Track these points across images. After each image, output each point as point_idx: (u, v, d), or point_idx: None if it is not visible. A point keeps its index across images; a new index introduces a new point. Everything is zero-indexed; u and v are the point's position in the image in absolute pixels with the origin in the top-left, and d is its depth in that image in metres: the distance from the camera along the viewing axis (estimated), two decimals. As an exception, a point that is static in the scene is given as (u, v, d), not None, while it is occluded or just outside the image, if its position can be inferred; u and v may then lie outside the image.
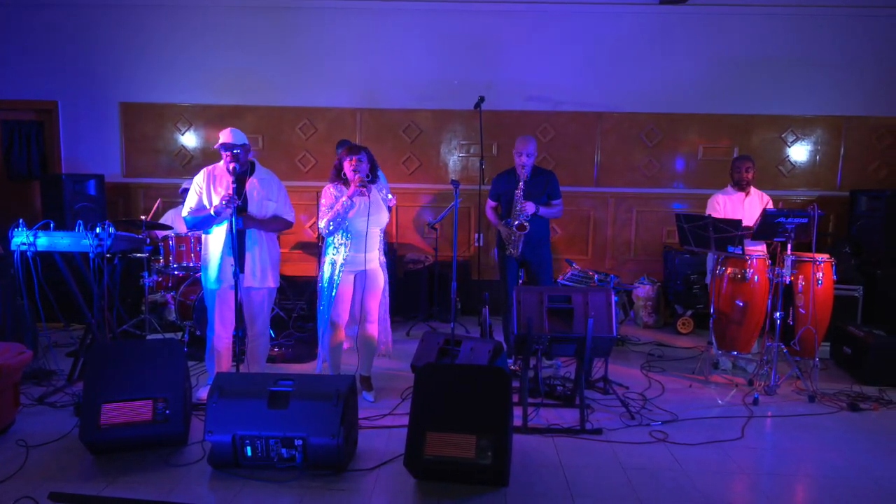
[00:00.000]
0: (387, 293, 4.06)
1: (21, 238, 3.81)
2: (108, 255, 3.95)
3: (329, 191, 3.85)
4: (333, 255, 3.87)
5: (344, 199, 3.74)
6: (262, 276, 3.81)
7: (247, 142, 3.76)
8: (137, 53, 6.44)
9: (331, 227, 3.80)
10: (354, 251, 3.83)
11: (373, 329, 3.99)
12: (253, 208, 3.74)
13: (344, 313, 3.91)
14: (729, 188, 4.86)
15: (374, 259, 3.93)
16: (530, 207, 4.44)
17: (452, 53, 6.37)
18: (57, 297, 4.11)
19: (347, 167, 3.78)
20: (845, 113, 6.37)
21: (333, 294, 3.86)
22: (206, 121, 6.51)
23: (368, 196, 3.80)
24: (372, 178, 3.85)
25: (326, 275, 3.89)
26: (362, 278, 3.91)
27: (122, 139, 6.56)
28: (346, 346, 4.15)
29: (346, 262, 3.85)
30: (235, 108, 6.49)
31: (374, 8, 6.33)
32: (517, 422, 3.38)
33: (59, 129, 6.54)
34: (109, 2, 6.35)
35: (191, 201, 3.76)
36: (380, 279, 3.96)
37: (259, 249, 3.78)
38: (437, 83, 6.41)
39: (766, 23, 6.28)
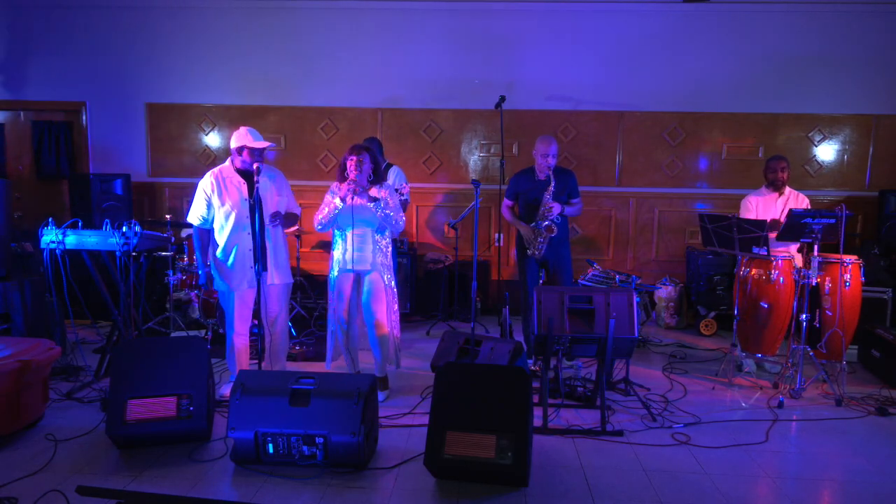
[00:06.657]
0: (392, 296, 3.97)
1: (50, 236, 3.89)
2: (134, 254, 4.02)
3: (333, 188, 3.90)
4: (335, 253, 3.93)
5: (336, 199, 3.77)
6: (280, 273, 3.89)
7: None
8: (163, 55, 6.53)
9: (319, 226, 3.86)
10: (353, 251, 3.85)
11: (380, 331, 3.92)
12: (269, 206, 3.78)
13: (345, 313, 3.94)
14: (763, 189, 4.79)
15: (374, 261, 3.87)
16: (557, 208, 4.44)
17: (474, 53, 6.36)
18: (84, 294, 4.21)
19: (349, 167, 3.79)
20: (874, 112, 6.24)
21: (335, 293, 3.92)
22: (229, 121, 6.58)
23: (366, 197, 3.80)
24: (375, 179, 3.86)
25: (332, 273, 3.96)
26: (365, 280, 3.91)
27: (148, 139, 6.66)
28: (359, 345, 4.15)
29: (344, 262, 3.88)
30: (258, 109, 6.56)
31: (396, 8, 6.35)
32: (537, 422, 3.37)
33: (88, 129, 6.67)
34: (136, 4, 6.45)
35: (199, 206, 3.83)
36: (379, 282, 3.89)
37: (275, 247, 3.85)
38: (458, 83, 6.40)
39: (792, 20, 6.17)
